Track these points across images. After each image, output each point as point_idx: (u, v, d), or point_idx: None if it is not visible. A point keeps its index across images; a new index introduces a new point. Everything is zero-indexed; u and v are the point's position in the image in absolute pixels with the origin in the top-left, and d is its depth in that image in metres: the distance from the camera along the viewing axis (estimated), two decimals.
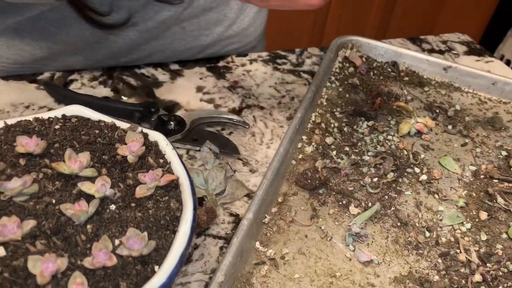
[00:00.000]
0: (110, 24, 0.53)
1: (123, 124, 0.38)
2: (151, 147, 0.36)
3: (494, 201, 0.47)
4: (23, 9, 0.55)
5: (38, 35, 0.58)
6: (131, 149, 0.34)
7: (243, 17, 0.68)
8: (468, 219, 0.45)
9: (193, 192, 0.32)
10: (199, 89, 0.60)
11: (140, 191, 0.32)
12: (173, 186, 0.33)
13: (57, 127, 0.37)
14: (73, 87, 0.58)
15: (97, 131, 0.37)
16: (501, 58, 1.60)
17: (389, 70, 0.64)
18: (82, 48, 0.60)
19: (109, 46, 0.61)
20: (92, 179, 0.33)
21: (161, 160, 0.35)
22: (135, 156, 0.34)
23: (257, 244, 0.41)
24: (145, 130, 0.37)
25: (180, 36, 0.64)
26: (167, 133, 0.50)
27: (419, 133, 0.55)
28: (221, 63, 0.66)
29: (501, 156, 0.53)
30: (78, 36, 0.58)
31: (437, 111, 0.58)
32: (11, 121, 0.37)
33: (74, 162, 0.33)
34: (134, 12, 0.58)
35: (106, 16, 0.52)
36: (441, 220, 0.45)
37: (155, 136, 0.36)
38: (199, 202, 0.44)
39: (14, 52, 0.60)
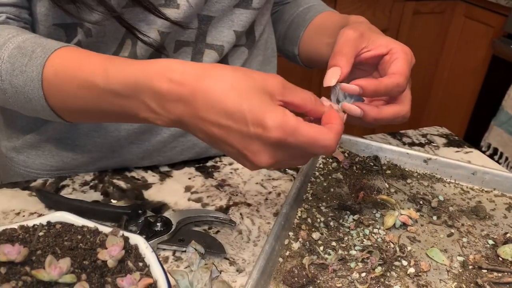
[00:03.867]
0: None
1: (105, 229, 0.38)
2: (131, 250, 0.36)
3: None
4: None
5: (79, 141, 0.63)
6: (111, 253, 0.35)
7: None
8: None
9: None
10: (188, 189, 0.62)
11: None
12: None
13: (41, 234, 0.38)
14: (64, 192, 0.60)
15: (79, 237, 0.37)
16: (488, 147, 1.65)
17: (371, 164, 0.66)
18: (118, 150, 0.65)
19: (143, 145, 0.65)
20: (71, 285, 0.33)
21: (140, 264, 0.35)
22: (115, 260, 0.35)
23: None
24: (126, 234, 0.38)
25: None
26: (154, 235, 0.51)
27: (404, 225, 0.55)
28: (209, 163, 0.68)
29: (488, 245, 0.53)
30: (114, 137, 0.63)
31: (421, 202, 0.59)
32: None
33: (54, 269, 0.33)
34: None
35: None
36: None
37: (136, 239, 0.37)
38: None
39: (58, 159, 0.65)
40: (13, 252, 0.34)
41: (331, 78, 0.49)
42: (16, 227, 0.38)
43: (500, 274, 0.48)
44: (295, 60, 0.74)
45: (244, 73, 0.41)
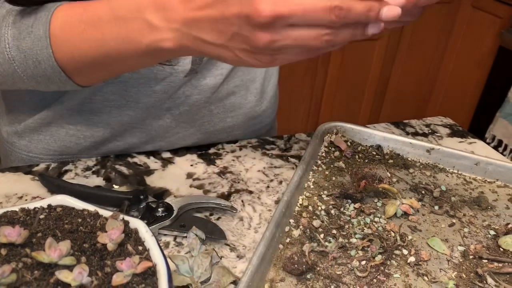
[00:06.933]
0: None
1: (106, 212, 0.39)
2: (131, 234, 0.36)
3: (484, 282, 0.46)
4: (66, 95, 0.61)
5: (81, 125, 0.64)
6: (110, 236, 0.35)
7: (263, 100, 0.74)
8: None
9: (170, 280, 0.32)
10: (189, 175, 0.62)
11: (116, 279, 0.32)
12: (150, 274, 0.33)
13: (42, 216, 0.38)
14: (67, 177, 0.60)
15: (80, 220, 0.37)
16: (493, 139, 1.64)
17: (374, 153, 0.66)
18: (121, 134, 0.65)
19: (146, 130, 0.65)
20: (70, 268, 0.33)
21: (140, 247, 0.35)
22: (115, 244, 0.35)
23: None
24: (126, 218, 0.38)
25: (209, 118, 0.69)
26: (155, 220, 0.51)
27: (405, 214, 0.55)
28: (211, 150, 0.68)
29: (489, 236, 0.53)
30: (117, 122, 0.64)
31: (423, 192, 0.59)
32: None
33: (54, 251, 0.34)
34: (167, 97, 0.63)
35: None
36: None
37: (136, 223, 0.37)
38: None
39: (61, 144, 0.65)
40: (14, 234, 0.35)
41: None
42: (17, 209, 0.38)
43: (500, 264, 0.48)
44: None
45: None
